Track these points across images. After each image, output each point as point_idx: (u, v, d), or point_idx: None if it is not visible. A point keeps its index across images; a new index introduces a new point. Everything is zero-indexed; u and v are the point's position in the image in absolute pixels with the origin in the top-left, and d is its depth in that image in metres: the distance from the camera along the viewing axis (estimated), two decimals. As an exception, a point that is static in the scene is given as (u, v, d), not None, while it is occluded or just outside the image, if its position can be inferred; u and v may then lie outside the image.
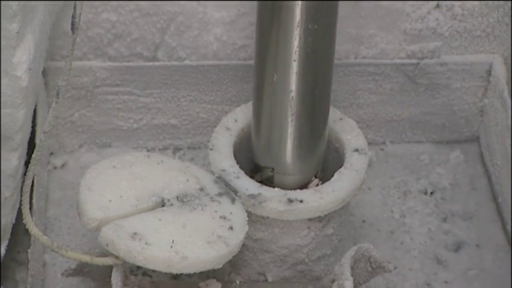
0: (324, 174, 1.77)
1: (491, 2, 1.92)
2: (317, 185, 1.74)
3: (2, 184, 1.65)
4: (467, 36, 1.97)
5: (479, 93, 2.02)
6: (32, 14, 1.60)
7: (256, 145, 1.74)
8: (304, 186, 1.74)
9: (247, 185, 1.71)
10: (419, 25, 1.95)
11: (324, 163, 1.83)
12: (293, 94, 1.64)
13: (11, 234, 1.74)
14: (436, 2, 1.93)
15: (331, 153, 1.81)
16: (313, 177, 1.76)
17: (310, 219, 1.72)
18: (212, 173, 1.74)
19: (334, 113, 1.82)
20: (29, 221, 1.65)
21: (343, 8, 1.90)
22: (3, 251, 1.72)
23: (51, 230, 1.90)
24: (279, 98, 1.65)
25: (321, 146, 1.74)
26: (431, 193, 1.99)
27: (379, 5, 1.92)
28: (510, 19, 1.95)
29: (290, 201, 1.68)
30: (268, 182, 1.73)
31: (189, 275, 1.76)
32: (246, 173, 1.73)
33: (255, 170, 1.76)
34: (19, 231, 1.79)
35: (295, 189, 1.71)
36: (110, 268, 1.63)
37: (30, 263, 1.73)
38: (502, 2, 1.92)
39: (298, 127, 1.67)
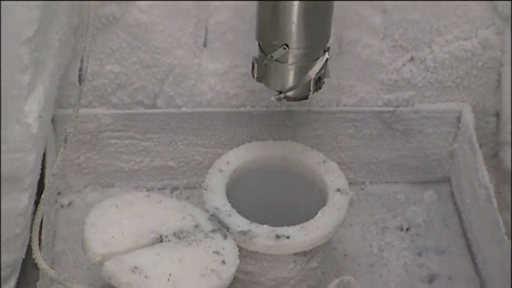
0: (309, 212, 1.75)
1: (460, 55, 1.93)
2: (327, 59, 1.67)
3: (13, 222, 1.64)
4: (439, 87, 1.98)
5: (450, 138, 2.03)
6: (42, 66, 1.60)
7: (265, 23, 1.63)
8: (315, 60, 1.65)
9: (238, 222, 1.70)
10: (395, 76, 1.96)
11: (309, 202, 1.83)
12: None
13: (21, 268, 1.73)
14: (410, 56, 1.94)
15: (315, 193, 1.81)
16: (323, 51, 1.67)
17: (296, 254, 1.71)
18: (206, 211, 1.74)
19: (317, 156, 1.82)
20: (37, 256, 1.66)
21: (326, 61, 1.93)
22: (13, 284, 1.72)
23: (58, 263, 1.89)
24: None
25: (327, 15, 1.63)
26: (407, 229, 1.98)
27: (359, 57, 1.93)
28: (478, 71, 1.96)
29: (278, 237, 1.67)
30: (282, 59, 1.62)
31: (185, 306, 1.74)
32: (237, 212, 1.71)
33: (267, 51, 1.64)
34: (29, 265, 1.78)
35: (308, 63, 1.62)
36: (112, 300, 1.62)
37: (39, 295, 1.71)
38: (469, 55, 1.93)
39: None
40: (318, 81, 1.67)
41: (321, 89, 1.80)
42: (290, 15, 1.58)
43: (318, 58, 1.65)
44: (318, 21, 1.61)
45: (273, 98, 1.67)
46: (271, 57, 1.63)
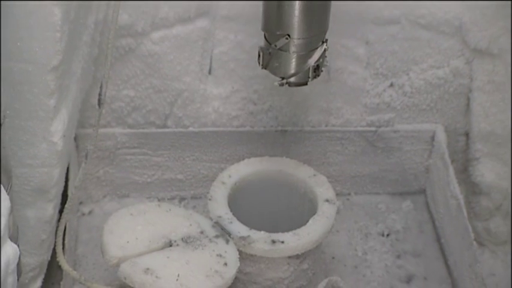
0: (301, 220, 1.77)
1: (434, 82, 1.95)
2: (324, 49, 1.66)
3: (40, 229, 1.66)
4: (415, 110, 1.99)
5: (425, 155, 2.02)
6: (66, 91, 1.63)
7: (270, 15, 1.61)
8: (314, 49, 1.64)
9: (238, 229, 1.71)
10: (377, 100, 1.97)
11: (301, 211, 1.84)
12: None
13: (47, 269, 1.75)
14: (390, 82, 1.95)
15: (306, 203, 1.83)
16: (321, 42, 1.64)
17: (289, 257, 1.72)
18: (210, 219, 1.74)
19: (309, 170, 1.84)
20: (61, 259, 1.69)
21: (316, 86, 1.93)
22: (40, 283, 1.74)
23: (79, 265, 1.90)
24: None
25: (324, 11, 1.62)
26: (388, 235, 1.99)
27: (345, 84, 1.94)
28: (450, 95, 1.97)
29: (273, 242, 1.69)
30: (285, 48, 1.61)
31: (191, 303, 1.76)
32: (238, 219, 1.73)
33: (272, 40, 1.63)
34: (53, 266, 1.79)
35: (308, 53, 1.61)
36: (127, 297, 1.65)
37: (62, 293, 1.75)
38: (442, 82, 1.95)
39: None
40: (317, 69, 1.65)
41: (312, 110, 1.81)
42: (292, 9, 1.59)
43: (317, 48, 1.65)
44: (317, 15, 1.61)
45: (276, 83, 1.66)
46: (275, 46, 1.61)
